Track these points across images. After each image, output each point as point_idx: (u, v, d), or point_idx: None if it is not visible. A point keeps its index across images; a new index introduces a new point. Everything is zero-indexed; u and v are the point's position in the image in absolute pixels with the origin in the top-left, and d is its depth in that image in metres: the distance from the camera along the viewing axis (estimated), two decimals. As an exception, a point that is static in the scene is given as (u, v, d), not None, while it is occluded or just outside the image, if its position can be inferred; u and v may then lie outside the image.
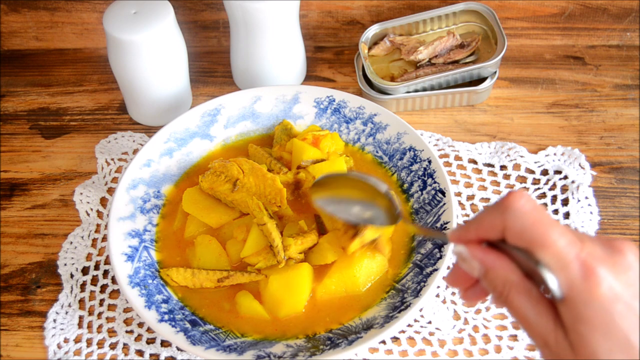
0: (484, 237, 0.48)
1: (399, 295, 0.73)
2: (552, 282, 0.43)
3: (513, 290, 0.45)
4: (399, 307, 0.71)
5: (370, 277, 0.75)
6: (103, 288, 0.80)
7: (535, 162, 0.90)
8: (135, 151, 0.93)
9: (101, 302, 0.79)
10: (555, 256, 0.43)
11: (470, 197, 0.87)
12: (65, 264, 0.82)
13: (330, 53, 1.07)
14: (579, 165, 0.89)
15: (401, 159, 0.86)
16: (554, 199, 0.86)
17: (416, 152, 0.84)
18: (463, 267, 0.49)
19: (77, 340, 0.76)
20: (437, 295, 0.78)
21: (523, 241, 0.45)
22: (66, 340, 0.76)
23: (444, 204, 0.79)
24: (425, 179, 0.82)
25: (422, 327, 0.76)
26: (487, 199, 0.87)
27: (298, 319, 0.74)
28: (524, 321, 0.45)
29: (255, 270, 0.75)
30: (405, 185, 0.84)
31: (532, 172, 0.89)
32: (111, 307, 0.79)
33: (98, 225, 0.86)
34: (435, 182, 0.81)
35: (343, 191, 0.69)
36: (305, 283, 0.74)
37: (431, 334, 0.75)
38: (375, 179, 0.66)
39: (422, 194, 0.82)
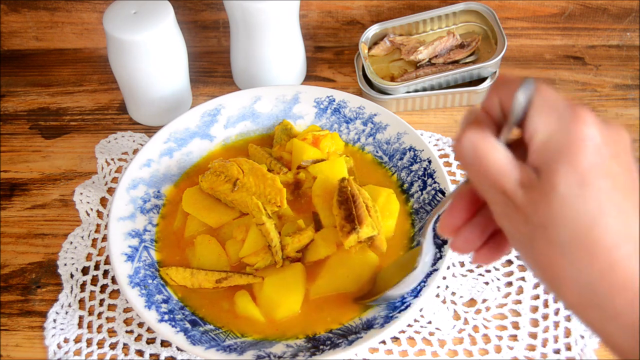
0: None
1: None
2: (519, 103, 0.40)
3: (474, 129, 0.42)
4: (399, 307, 0.71)
5: (362, 275, 0.75)
6: (103, 288, 0.80)
7: (535, 162, 0.89)
8: (135, 151, 0.94)
9: (101, 302, 0.79)
10: (546, 99, 0.41)
11: (470, 197, 0.87)
12: (65, 264, 0.82)
13: (330, 53, 1.07)
14: (579, 165, 0.89)
15: (401, 159, 0.86)
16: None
17: (416, 152, 0.84)
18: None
19: (77, 340, 0.76)
20: (437, 295, 0.78)
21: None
22: (66, 340, 0.76)
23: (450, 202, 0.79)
24: (425, 179, 0.82)
25: (422, 327, 0.76)
26: (487, 199, 0.87)
27: (298, 319, 0.74)
28: (486, 165, 0.41)
29: (253, 271, 0.75)
30: (405, 185, 0.84)
31: (532, 172, 0.89)
32: (111, 307, 0.79)
33: (98, 225, 0.86)
34: (435, 182, 0.81)
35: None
36: (300, 283, 0.74)
37: (431, 334, 0.75)
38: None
39: (422, 194, 0.82)
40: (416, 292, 0.72)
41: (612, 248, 0.37)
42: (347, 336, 0.70)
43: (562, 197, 0.38)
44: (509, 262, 0.80)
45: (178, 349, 0.75)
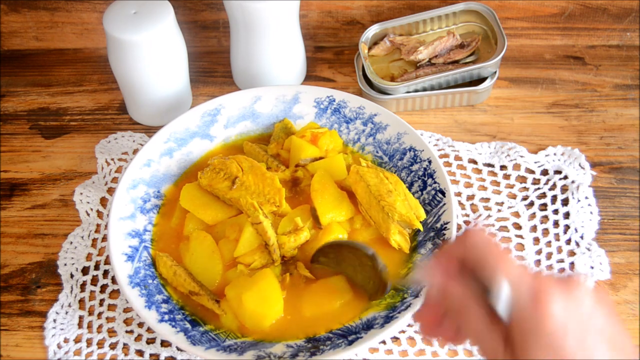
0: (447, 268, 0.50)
1: (399, 295, 0.73)
2: (501, 303, 0.44)
3: (469, 310, 0.47)
4: (399, 307, 0.71)
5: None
6: (103, 288, 0.80)
7: (535, 162, 0.90)
8: (135, 151, 0.93)
9: (101, 302, 0.79)
10: (509, 278, 0.45)
11: (470, 197, 0.87)
12: (65, 264, 0.82)
13: (330, 53, 1.07)
14: (579, 165, 0.89)
15: (401, 159, 0.86)
16: (554, 199, 0.86)
17: (416, 152, 0.84)
18: (428, 291, 0.51)
19: (77, 340, 0.76)
20: (437, 295, 0.78)
21: (478, 269, 0.47)
22: (66, 340, 0.76)
23: (444, 204, 0.79)
24: (426, 179, 0.82)
25: (422, 327, 0.76)
26: (487, 199, 0.87)
27: (298, 319, 0.74)
28: (478, 338, 0.46)
29: (216, 305, 0.74)
30: (405, 185, 0.84)
31: (532, 172, 0.89)
32: (111, 307, 0.79)
33: (98, 225, 0.86)
34: (435, 182, 0.81)
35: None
36: (276, 290, 0.73)
37: (431, 334, 0.75)
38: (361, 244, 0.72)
39: (422, 194, 0.82)
40: (416, 292, 0.72)
41: None
42: (347, 336, 0.70)
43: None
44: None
45: (178, 349, 0.75)
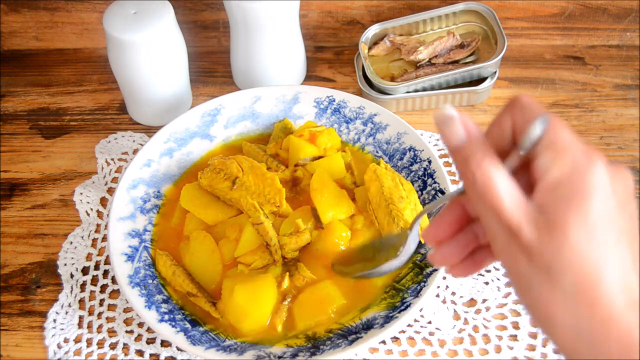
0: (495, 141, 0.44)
1: (399, 295, 0.73)
2: (532, 133, 0.40)
3: (489, 159, 0.41)
4: (399, 307, 0.71)
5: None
6: (103, 288, 0.80)
7: (535, 162, 0.89)
8: (135, 151, 0.93)
9: (101, 302, 0.79)
10: (557, 141, 0.40)
11: (470, 197, 0.87)
12: (65, 264, 0.82)
13: (330, 53, 1.07)
14: (579, 165, 0.89)
15: (401, 159, 0.86)
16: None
17: (416, 152, 0.84)
18: (444, 132, 0.43)
19: (77, 340, 0.76)
20: (437, 295, 0.78)
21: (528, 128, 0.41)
22: (66, 340, 0.76)
23: (444, 204, 0.79)
24: (425, 179, 0.82)
25: (422, 327, 0.76)
26: (487, 199, 0.87)
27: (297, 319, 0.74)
28: (496, 194, 0.40)
29: (213, 308, 0.73)
30: (406, 186, 0.84)
31: (532, 172, 0.89)
32: (111, 307, 0.79)
33: (98, 225, 0.86)
34: (435, 182, 0.81)
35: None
36: (270, 296, 0.72)
37: (431, 334, 0.75)
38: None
39: (422, 194, 0.82)
40: (416, 292, 0.72)
41: (612, 301, 0.38)
42: (347, 336, 0.70)
43: (571, 245, 0.38)
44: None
45: (178, 349, 0.75)
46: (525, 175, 0.42)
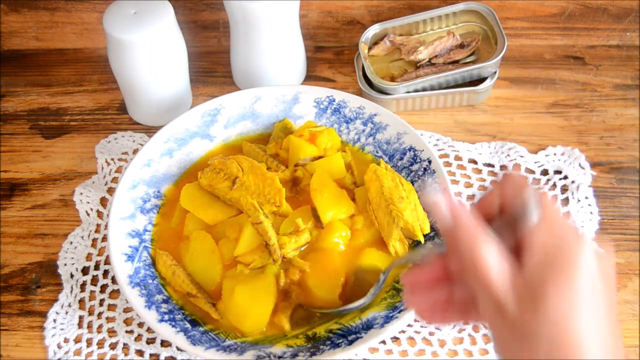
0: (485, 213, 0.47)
1: (399, 295, 0.73)
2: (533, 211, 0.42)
3: (477, 238, 0.43)
4: (399, 307, 0.71)
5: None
6: (103, 288, 0.80)
7: (535, 162, 0.90)
8: (135, 151, 0.94)
9: (101, 302, 0.79)
10: (546, 216, 0.43)
11: (470, 197, 0.87)
12: (65, 264, 0.82)
13: (330, 53, 1.07)
14: (579, 165, 0.89)
15: (401, 159, 0.86)
16: (553, 199, 0.86)
17: (416, 152, 0.84)
18: (433, 215, 0.47)
19: (77, 340, 0.76)
20: (437, 295, 0.78)
21: (513, 204, 0.44)
22: (66, 340, 0.76)
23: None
24: (426, 179, 0.82)
25: (422, 327, 0.76)
26: (487, 199, 0.87)
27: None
28: (486, 272, 0.42)
29: (213, 309, 0.74)
30: (405, 186, 0.84)
31: (532, 172, 0.89)
32: (111, 307, 0.79)
33: (98, 225, 0.86)
34: (435, 182, 0.81)
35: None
36: (269, 298, 0.72)
37: (431, 334, 0.75)
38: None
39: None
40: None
41: None
42: (347, 336, 0.70)
43: (552, 321, 0.40)
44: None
45: (178, 349, 0.75)
46: (510, 229, 0.45)
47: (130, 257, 0.76)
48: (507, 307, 0.42)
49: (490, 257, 0.43)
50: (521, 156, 0.90)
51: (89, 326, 0.77)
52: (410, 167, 0.84)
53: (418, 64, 0.97)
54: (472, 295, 0.44)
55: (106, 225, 0.83)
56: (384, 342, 0.75)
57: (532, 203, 0.43)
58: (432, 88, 0.95)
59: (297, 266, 0.75)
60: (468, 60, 0.97)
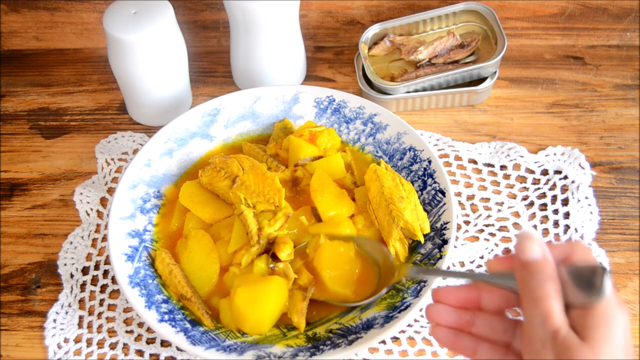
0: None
1: (399, 295, 0.73)
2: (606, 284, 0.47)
3: (555, 280, 0.49)
4: (399, 307, 0.71)
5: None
6: (103, 288, 0.80)
7: (535, 162, 0.90)
8: (135, 151, 0.94)
9: (101, 302, 0.79)
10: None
11: (470, 197, 0.87)
12: (65, 264, 0.82)
13: (330, 53, 1.07)
14: (579, 165, 0.89)
15: (401, 159, 0.86)
16: (554, 199, 0.86)
17: (416, 152, 0.84)
18: (523, 244, 0.50)
19: (77, 340, 0.76)
20: (437, 295, 0.78)
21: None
22: (66, 340, 0.76)
23: (444, 204, 0.79)
24: (425, 179, 0.82)
25: (422, 327, 0.76)
26: (487, 199, 0.87)
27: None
28: (550, 309, 0.47)
29: (206, 316, 0.73)
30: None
31: (532, 172, 0.89)
32: (111, 307, 0.79)
33: (98, 225, 0.86)
34: (435, 182, 0.81)
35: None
36: (270, 300, 0.71)
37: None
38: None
39: (422, 194, 0.82)
40: (416, 292, 0.72)
41: None
42: (347, 336, 0.70)
43: (597, 352, 0.46)
44: (509, 262, 0.80)
45: (178, 349, 0.75)
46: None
47: (130, 257, 0.76)
48: (560, 332, 0.46)
49: (557, 297, 0.48)
50: (521, 156, 0.90)
51: (89, 326, 0.77)
52: (410, 167, 0.84)
53: (418, 64, 0.97)
54: (527, 324, 0.48)
55: (106, 225, 0.83)
56: (384, 342, 0.75)
57: (606, 284, 0.47)
58: (432, 88, 0.95)
59: (281, 255, 0.74)
60: (468, 60, 0.97)
